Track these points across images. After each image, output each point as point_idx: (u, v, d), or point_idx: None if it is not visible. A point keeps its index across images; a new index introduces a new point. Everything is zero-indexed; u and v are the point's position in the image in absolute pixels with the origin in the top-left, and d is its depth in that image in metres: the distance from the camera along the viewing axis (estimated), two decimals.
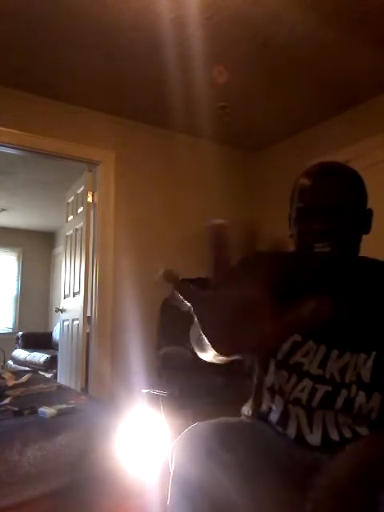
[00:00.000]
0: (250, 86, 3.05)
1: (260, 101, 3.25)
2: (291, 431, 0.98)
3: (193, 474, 0.90)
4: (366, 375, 0.94)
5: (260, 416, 1.07)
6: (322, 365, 0.98)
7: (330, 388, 0.96)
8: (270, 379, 1.04)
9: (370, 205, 1.08)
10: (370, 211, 1.04)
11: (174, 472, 0.95)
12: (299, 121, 3.53)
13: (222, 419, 1.07)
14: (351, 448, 0.87)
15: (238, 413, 1.17)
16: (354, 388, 0.95)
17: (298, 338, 1.00)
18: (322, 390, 0.96)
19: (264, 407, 1.05)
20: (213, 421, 1.02)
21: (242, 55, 2.67)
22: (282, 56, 2.68)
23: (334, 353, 0.98)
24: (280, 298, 1.00)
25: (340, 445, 0.93)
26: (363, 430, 0.94)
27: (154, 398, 2.74)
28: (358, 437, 0.93)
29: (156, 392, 2.76)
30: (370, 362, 0.94)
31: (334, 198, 0.97)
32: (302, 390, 0.98)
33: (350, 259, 1.00)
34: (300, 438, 0.96)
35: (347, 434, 0.94)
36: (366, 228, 1.03)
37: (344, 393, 0.95)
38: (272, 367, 1.04)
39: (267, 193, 4.01)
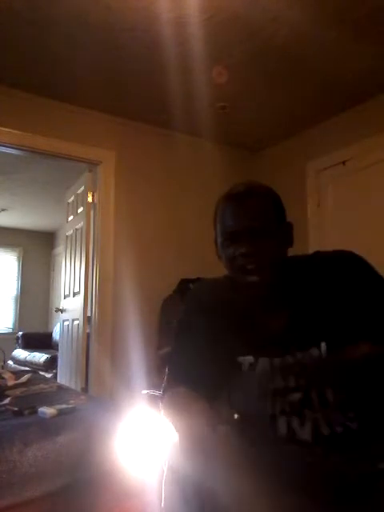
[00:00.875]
0: (250, 86, 3.05)
1: (260, 101, 3.25)
2: (282, 430, 0.98)
3: (188, 474, 0.90)
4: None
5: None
6: (284, 376, 1.00)
7: (299, 395, 0.97)
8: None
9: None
10: (290, 225, 1.09)
11: (169, 472, 0.95)
12: (299, 121, 3.53)
13: (219, 420, 1.07)
14: None
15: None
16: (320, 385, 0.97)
17: (251, 359, 1.03)
18: (296, 399, 0.98)
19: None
20: (210, 421, 1.02)
21: (242, 55, 2.67)
22: (282, 56, 2.68)
23: (288, 359, 1.00)
24: (229, 336, 1.06)
25: (331, 439, 0.94)
26: (353, 424, 0.95)
27: (154, 399, 2.74)
28: (349, 431, 0.95)
29: (156, 392, 2.76)
30: (323, 354, 0.97)
31: (255, 218, 1.02)
32: (281, 403, 0.99)
33: (279, 274, 1.04)
34: (291, 435, 0.97)
35: (338, 428, 0.95)
36: (290, 242, 1.09)
37: (314, 393, 0.97)
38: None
39: None
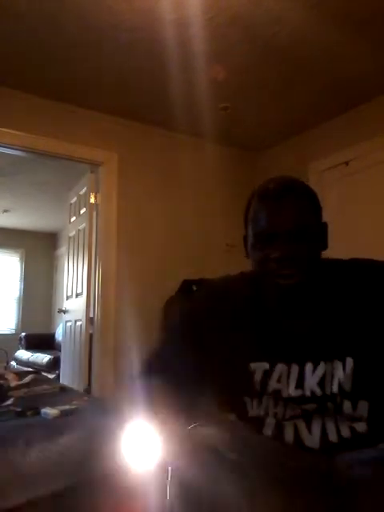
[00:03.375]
0: (252, 87, 3.05)
1: (262, 102, 3.25)
2: (289, 437, 0.96)
3: (191, 474, 0.90)
4: (346, 384, 0.93)
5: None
6: (300, 384, 0.96)
7: (314, 405, 0.95)
8: (253, 412, 1.01)
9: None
10: (326, 225, 1.02)
11: (172, 473, 0.95)
12: (300, 122, 3.53)
13: (222, 420, 1.07)
14: None
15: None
16: (338, 398, 0.94)
17: (265, 365, 0.97)
18: (310, 409, 0.95)
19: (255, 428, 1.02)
20: (212, 422, 1.02)
21: (244, 56, 2.67)
22: (284, 57, 2.68)
23: (309, 367, 0.96)
24: (239, 341, 1.01)
25: (338, 447, 0.93)
26: (361, 426, 0.94)
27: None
28: (357, 435, 0.93)
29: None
30: (348, 370, 0.92)
31: (293, 219, 0.93)
32: (293, 409, 0.96)
33: (313, 280, 0.97)
34: (298, 442, 0.95)
35: (345, 433, 0.94)
36: (324, 244, 1.01)
37: (330, 405, 0.94)
38: (249, 402, 1.01)
39: None
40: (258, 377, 0.98)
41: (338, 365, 0.94)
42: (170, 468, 0.96)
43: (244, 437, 0.99)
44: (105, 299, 3.34)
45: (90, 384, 3.30)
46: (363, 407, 0.93)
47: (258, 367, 0.98)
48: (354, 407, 0.93)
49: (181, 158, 3.74)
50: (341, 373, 0.93)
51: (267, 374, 0.97)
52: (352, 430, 0.94)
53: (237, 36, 2.49)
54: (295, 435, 0.96)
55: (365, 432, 0.94)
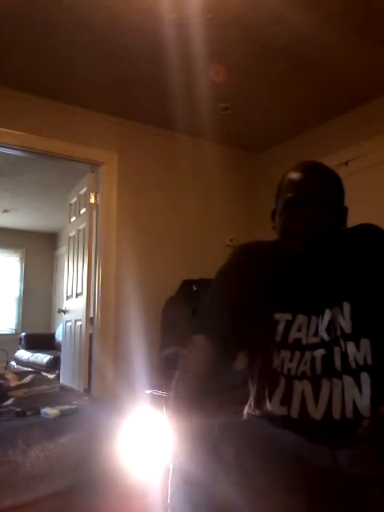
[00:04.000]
0: (252, 87, 3.05)
1: (262, 102, 3.25)
2: (295, 405, 1.00)
3: (193, 473, 0.90)
4: (346, 326, 1.01)
5: (261, 410, 1.08)
6: (316, 332, 1.04)
7: (324, 351, 1.02)
8: (275, 362, 1.07)
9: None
10: (347, 209, 1.12)
11: (174, 471, 0.95)
12: (300, 122, 3.53)
13: (224, 419, 1.07)
14: None
15: (241, 413, 1.18)
16: (341, 342, 1.00)
17: (288, 316, 1.07)
18: (319, 355, 1.01)
19: (267, 391, 1.07)
20: (214, 421, 1.03)
21: (244, 56, 2.67)
22: (284, 57, 2.68)
23: (322, 316, 1.04)
24: (266, 294, 1.09)
25: (340, 425, 0.97)
26: (365, 411, 0.96)
27: (157, 399, 2.74)
28: (360, 418, 0.96)
29: (158, 393, 2.76)
30: (346, 313, 1.01)
31: (321, 191, 1.04)
32: (306, 363, 1.02)
33: (331, 248, 1.06)
34: (303, 412, 0.99)
35: (349, 413, 0.97)
36: (344, 224, 1.11)
37: (337, 350, 1.01)
38: (272, 351, 1.08)
39: (268, 193, 4.00)
40: (281, 327, 1.07)
41: (338, 310, 1.03)
42: (171, 467, 0.96)
43: (245, 434, 0.99)
44: (105, 299, 3.34)
45: (89, 384, 3.30)
46: (366, 345, 0.99)
47: (282, 318, 1.08)
48: (358, 347, 0.99)
49: (181, 158, 3.74)
50: (341, 317, 1.02)
51: (289, 324, 1.07)
52: (355, 411, 0.97)
53: (237, 36, 2.49)
54: (301, 405, 1.00)
55: (367, 410, 0.96)
